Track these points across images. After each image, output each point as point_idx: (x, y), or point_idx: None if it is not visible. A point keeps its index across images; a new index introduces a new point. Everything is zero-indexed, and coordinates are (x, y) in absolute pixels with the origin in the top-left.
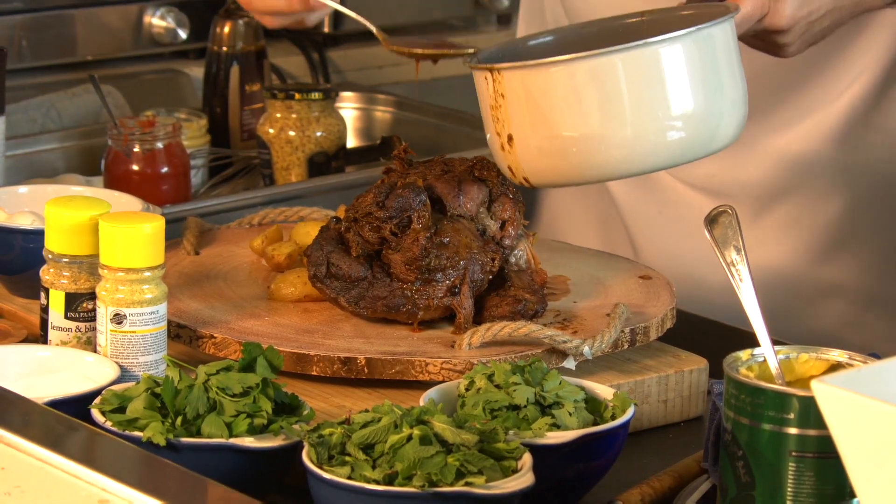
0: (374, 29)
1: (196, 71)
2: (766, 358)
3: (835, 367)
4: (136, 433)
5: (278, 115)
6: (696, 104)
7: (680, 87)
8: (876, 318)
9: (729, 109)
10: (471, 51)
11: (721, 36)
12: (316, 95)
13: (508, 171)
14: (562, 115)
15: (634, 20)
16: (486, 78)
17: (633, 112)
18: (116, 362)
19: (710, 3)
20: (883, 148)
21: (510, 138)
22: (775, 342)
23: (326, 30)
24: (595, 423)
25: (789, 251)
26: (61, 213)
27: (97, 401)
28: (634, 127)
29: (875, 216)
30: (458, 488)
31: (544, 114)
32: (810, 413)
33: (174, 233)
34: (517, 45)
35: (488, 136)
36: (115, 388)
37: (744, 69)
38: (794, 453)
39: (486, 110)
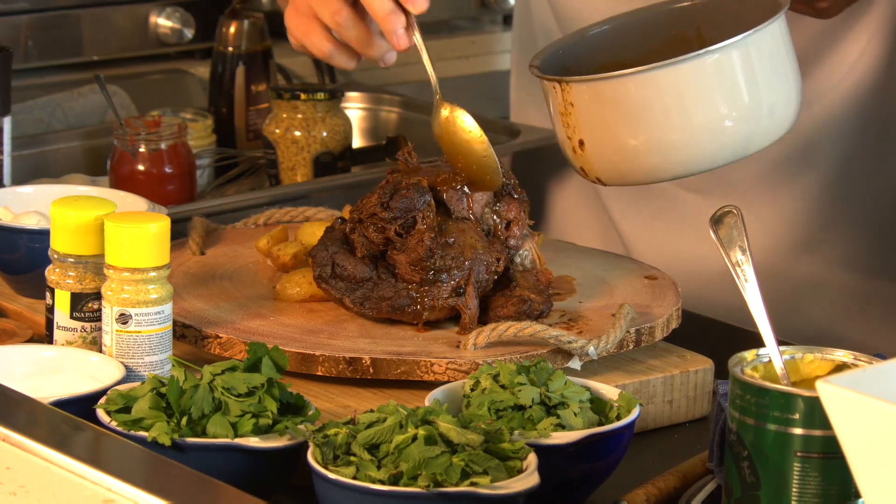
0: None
1: (202, 71)
2: (771, 358)
3: (840, 367)
4: (142, 433)
5: (284, 116)
6: (753, 100)
7: (735, 88)
8: (861, 313)
9: (785, 100)
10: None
11: (775, 32)
12: (321, 95)
13: (581, 171)
14: (627, 122)
15: (686, 4)
16: (554, 87)
17: (691, 116)
18: (122, 362)
19: None
20: (879, 144)
21: (581, 143)
22: (780, 342)
23: None
24: (600, 424)
25: (770, 245)
26: (67, 213)
27: (102, 401)
28: (694, 130)
29: (860, 210)
30: (463, 488)
31: (611, 122)
32: (815, 413)
33: (180, 233)
34: (576, 40)
35: (559, 138)
36: (120, 388)
37: None
38: (799, 454)
39: (557, 116)
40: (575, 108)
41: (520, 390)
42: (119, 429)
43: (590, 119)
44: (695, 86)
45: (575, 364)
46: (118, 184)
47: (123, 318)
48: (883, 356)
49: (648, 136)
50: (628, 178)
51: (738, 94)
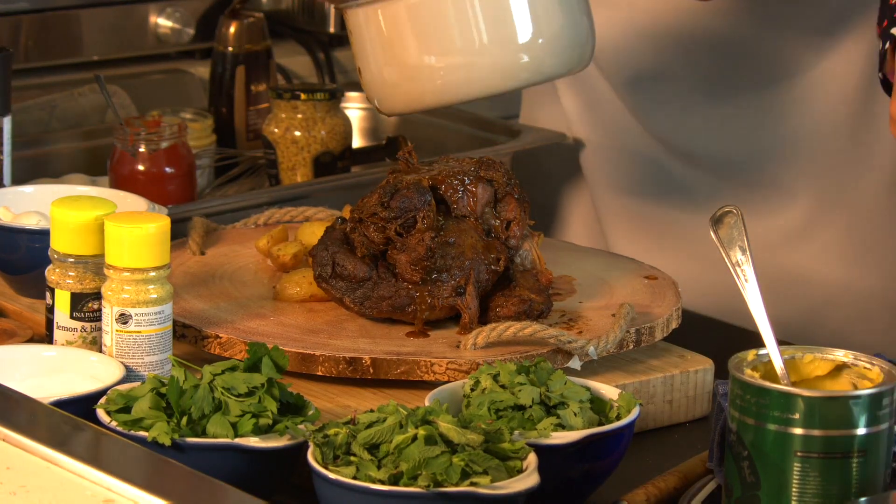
0: None
1: (202, 71)
2: (771, 358)
3: (840, 367)
4: (142, 433)
5: (284, 116)
6: (506, 31)
7: (495, 16)
8: (841, 307)
9: (553, 34)
10: None
11: None
12: (321, 96)
13: (372, 101)
14: (389, 47)
15: None
16: (345, 16)
17: (436, 45)
18: (122, 362)
19: None
20: (862, 141)
21: (359, 70)
22: (780, 342)
23: (332, 30)
24: (600, 424)
25: (764, 238)
26: (67, 213)
27: (102, 401)
28: (450, 57)
29: (844, 205)
30: (462, 488)
31: (373, 47)
32: (815, 413)
33: (180, 233)
34: None
35: None
36: (120, 387)
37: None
38: (799, 453)
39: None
40: (353, 34)
41: (520, 390)
42: (119, 429)
43: (358, 45)
44: (442, 13)
45: (575, 364)
46: (118, 184)
47: (123, 318)
48: (883, 356)
49: (405, 62)
50: (399, 105)
51: (497, 23)
